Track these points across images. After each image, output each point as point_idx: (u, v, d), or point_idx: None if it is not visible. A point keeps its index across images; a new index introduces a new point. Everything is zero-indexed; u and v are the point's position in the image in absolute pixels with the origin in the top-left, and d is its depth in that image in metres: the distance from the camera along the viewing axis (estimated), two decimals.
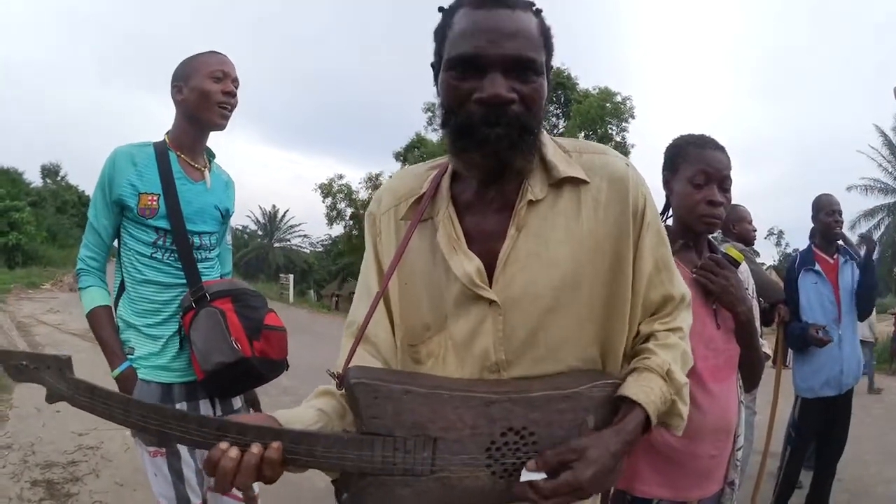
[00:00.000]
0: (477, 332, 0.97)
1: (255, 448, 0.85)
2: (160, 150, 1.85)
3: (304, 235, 43.72)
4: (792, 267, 3.42)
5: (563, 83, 22.43)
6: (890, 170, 25.32)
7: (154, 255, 1.82)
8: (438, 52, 0.97)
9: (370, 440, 0.88)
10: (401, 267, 1.03)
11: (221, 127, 1.88)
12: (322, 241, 38.81)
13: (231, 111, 1.86)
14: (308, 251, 42.65)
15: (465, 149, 0.92)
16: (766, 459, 3.27)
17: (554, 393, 0.93)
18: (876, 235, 24.65)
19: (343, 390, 0.94)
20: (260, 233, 43.93)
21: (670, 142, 1.66)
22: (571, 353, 0.98)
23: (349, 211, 25.78)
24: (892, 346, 11.70)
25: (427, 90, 1.01)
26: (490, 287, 0.96)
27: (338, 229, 27.89)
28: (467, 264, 0.96)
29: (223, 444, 0.85)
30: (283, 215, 44.53)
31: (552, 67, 1.00)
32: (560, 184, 0.98)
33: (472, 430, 0.90)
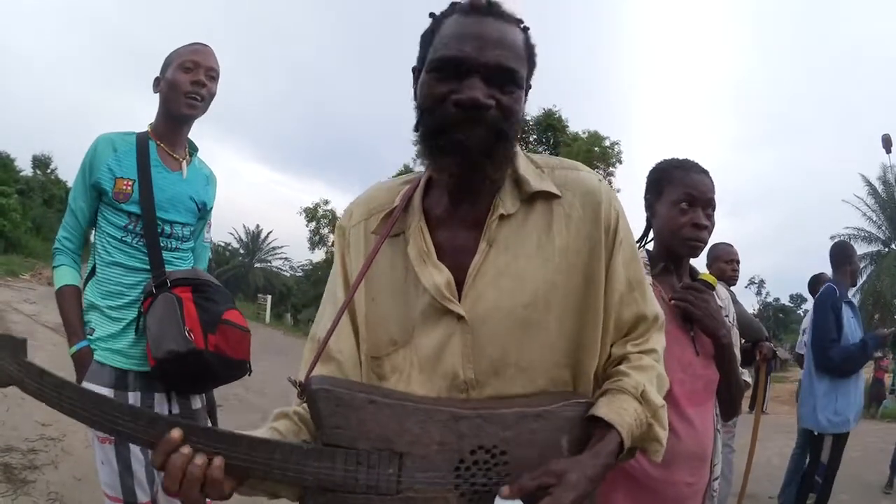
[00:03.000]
0: (444, 348, 0.94)
1: (199, 459, 0.80)
2: (141, 139, 1.88)
3: (286, 258, 42.98)
4: (832, 296, 3.45)
5: (554, 125, 22.28)
6: (874, 218, 25.51)
7: (124, 239, 1.83)
8: (423, 56, 0.96)
9: (331, 452, 0.84)
10: (369, 283, 1.00)
11: (191, 117, 1.89)
12: (302, 265, 38.26)
13: (201, 101, 1.87)
14: (288, 274, 42.02)
15: (441, 150, 0.90)
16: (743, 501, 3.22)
17: (526, 410, 0.89)
18: (858, 283, 24.86)
19: (304, 400, 0.89)
20: (242, 251, 43.30)
21: (654, 165, 1.64)
22: (542, 375, 0.95)
23: (332, 237, 25.55)
24: (871, 391, 11.91)
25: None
26: (459, 302, 0.93)
27: (319, 255, 27.66)
28: (437, 276, 0.93)
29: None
30: (266, 236, 43.88)
31: (531, 86, 0.99)
32: (532, 198, 0.96)
33: (439, 447, 0.86)
